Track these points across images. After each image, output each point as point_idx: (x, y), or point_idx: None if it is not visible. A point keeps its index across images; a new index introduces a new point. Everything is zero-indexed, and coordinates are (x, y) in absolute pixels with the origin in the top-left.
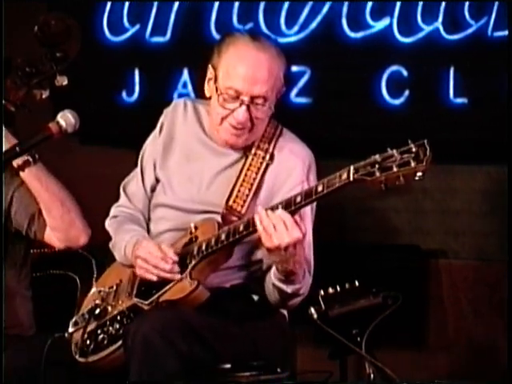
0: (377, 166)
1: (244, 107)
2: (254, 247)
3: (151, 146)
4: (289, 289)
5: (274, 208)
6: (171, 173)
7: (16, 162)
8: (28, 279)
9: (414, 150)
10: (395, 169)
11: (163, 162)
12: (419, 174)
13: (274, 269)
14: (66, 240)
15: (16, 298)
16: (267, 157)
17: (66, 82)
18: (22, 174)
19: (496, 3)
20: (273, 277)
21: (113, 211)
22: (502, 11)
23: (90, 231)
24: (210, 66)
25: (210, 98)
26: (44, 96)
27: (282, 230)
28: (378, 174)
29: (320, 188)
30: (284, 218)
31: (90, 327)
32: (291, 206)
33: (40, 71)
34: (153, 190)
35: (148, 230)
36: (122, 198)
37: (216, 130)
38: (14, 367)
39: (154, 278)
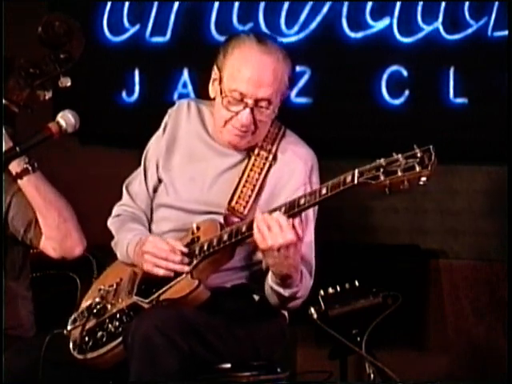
0: (381, 169)
1: (248, 110)
2: (255, 248)
3: (155, 146)
4: (286, 292)
5: (277, 210)
6: (174, 173)
7: (15, 170)
8: (28, 280)
9: (419, 154)
10: (400, 173)
11: (166, 162)
12: (423, 178)
13: (270, 272)
14: (61, 250)
15: (17, 299)
16: (270, 157)
17: (69, 84)
18: (19, 181)
19: (496, 3)
20: (270, 280)
21: (115, 210)
22: (502, 11)
23: (86, 242)
24: (214, 66)
25: (214, 98)
26: (47, 97)
27: (276, 231)
28: (382, 177)
29: (324, 191)
30: (279, 220)
31: (89, 325)
32: (295, 208)
33: (44, 72)
34: (155, 190)
35: (150, 230)
36: (125, 197)
37: (219, 131)
38: (14, 368)
39: (162, 272)
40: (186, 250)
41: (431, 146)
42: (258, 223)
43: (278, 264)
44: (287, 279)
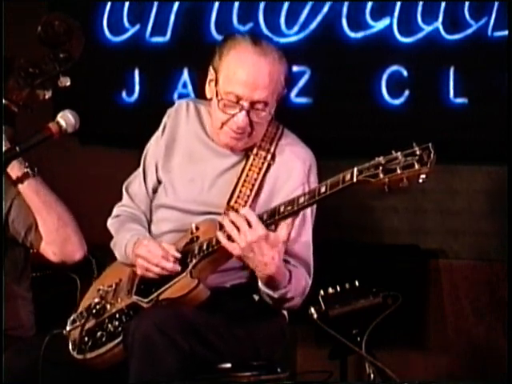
0: (381, 167)
1: (244, 112)
2: None
3: (154, 147)
4: (275, 294)
5: (275, 210)
6: (173, 174)
7: (15, 174)
8: (28, 281)
9: (418, 152)
10: (399, 171)
11: (165, 162)
12: (423, 176)
13: None
14: (61, 254)
15: (17, 300)
16: (269, 157)
17: (68, 83)
18: (20, 186)
19: (496, 3)
20: (259, 283)
21: (115, 211)
22: (502, 11)
23: (86, 247)
24: (210, 67)
25: (210, 99)
26: (47, 97)
27: (244, 230)
28: (381, 175)
29: (323, 189)
30: (248, 217)
31: (89, 325)
32: (294, 207)
33: (43, 72)
34: (155, 191)
35: (149, 231)
36: (125, 198)
37: (216, 133)
38: (14, 368)
39: (155, 277)
40: (178, 255)
41: (430, 144)
42: (226, 228)
43: (257, 265)
44: (271, 281)
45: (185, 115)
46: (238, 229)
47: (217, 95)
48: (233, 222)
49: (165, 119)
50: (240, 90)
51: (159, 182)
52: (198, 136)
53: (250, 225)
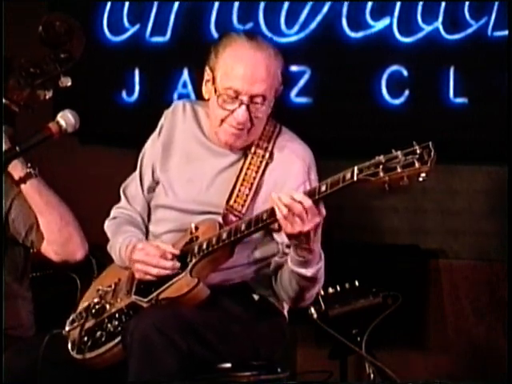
0: (381, 166)
1: (243, 107)
2: (256, 247)
3: (150, 149)
4: (308, 272)
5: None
6: (171, 174)
7: (18, 175)
8: (28, 281)
9: (418, 151)
10: (399, 169)
11: (163, 163)
12: (423, 174)
13: (290, 255)
14: (63, 254)
15: (17, 299)
16: (267, 155)
17: (69, 83)
18: (22, 186)
19: (496, 3)
20: (290, 263)
21: (112, 212)
22: (502, 11)
23: (87, 246)
24: (207, 67)
25: (208, 99)
26: (47, 97)
27: (303, 217)
28: (381, 174)
29: (323, 188)
30: (304, 204)
31: (88, 325)
32: None
33: (44, 72)
34: (151, 192)
35: (147, 232)
36: (122, 200)
37: (215, 131)
38: (14, 367)
39: (155, 278)
40: (176, 251)
41: (430, 143)
42: (282, 211)
43: (304, 242)
44: (310, 254)
45: (181, 116)
46: (294, 213)
47: (215, 92)
48: (289, 208)
49: (161, 121)
50: (239, 84)
51: (157, 183)
52: (196, 136)
53: (306, 212)
